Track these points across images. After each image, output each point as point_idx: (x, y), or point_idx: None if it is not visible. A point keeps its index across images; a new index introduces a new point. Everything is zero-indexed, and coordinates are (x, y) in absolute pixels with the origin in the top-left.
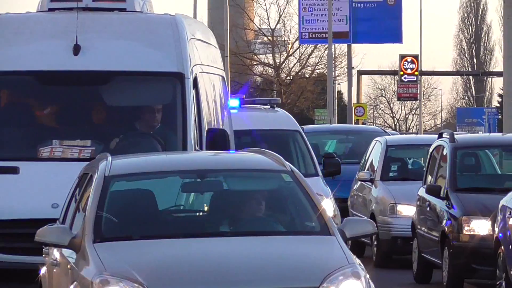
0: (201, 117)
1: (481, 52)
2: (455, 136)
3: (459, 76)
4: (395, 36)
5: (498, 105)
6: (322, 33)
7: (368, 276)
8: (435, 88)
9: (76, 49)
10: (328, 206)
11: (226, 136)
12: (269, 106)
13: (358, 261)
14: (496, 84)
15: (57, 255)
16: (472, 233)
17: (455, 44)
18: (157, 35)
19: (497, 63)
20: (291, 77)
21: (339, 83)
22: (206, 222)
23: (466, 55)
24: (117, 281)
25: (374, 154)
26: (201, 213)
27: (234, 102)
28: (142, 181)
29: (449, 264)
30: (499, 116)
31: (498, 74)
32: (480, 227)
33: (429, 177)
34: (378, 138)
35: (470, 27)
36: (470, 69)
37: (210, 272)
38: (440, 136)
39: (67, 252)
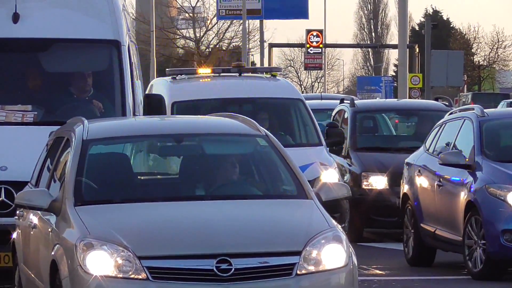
0: (134, 83)
1: (379, 27)
2: (355, 101)
3: (359, 49)
4: (302, 12)
5: (393, 74)
6: (237, 10)
7: (345, 238)
8: (338, 59)
9: (16, 17)
10: (333, 175)
11: (163, 102)
12: (270, 75)
13: (337, 224)
14: (392, 56)
15: (34, 218)
16: (370, 187)
17: (356, 20)
18: (94, 4)
19: (393, 37)
20: (210, 49)
21: (252, 55)
22: (182, 186)
23: (366, 30)
24: (101, 244)
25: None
26: (177, 177)
27: (233, 70)
28: (120, 145)
29: (349, 215)
30: (395, 84)
31: (394, 46)
32: (377, 182)
33: None
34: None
35: (369, 5)
36: (369, 42)
37: (194, 236)
38: (342, 101)
39: (46, 215)
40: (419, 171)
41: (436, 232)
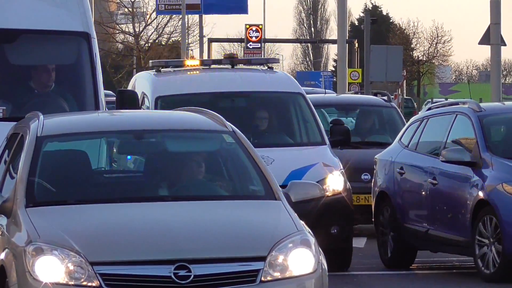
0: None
1: (318, 22)
2: None
3: (298, 44)
4: (241, 7)
5: (333, 69)
6: (176, 5)
7: (314, 241)
8: (278, 54)
9: None
10: (338, 180)
11: (136, 98)
12: (266, 67)
13: (306, 227)
14: (331, 51)
15: None
16: None
17: (295, 15)
18: None
19: (332, 32)
20: (149, 44)
21: (192, 50)
22: (144, 185)
23: (305, 25)
24: (51, 249)
25: None
26: (138, 176)
27: (226, 61)
28: (76, 141)
29: None
30: (334, 79)
31: (333, 41)
32: None
33: None
34: None
35: (308, 0)
36: (308, 37)
37: (151, 240)
38: None
39: None
40: (402, 169)
41: (429, 232)
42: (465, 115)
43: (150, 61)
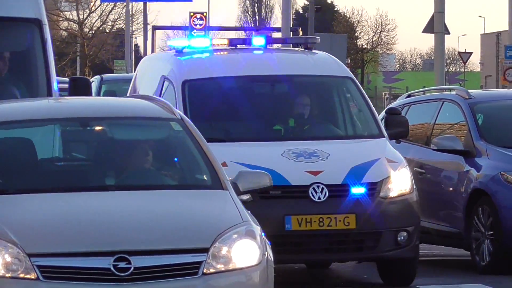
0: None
1: (263, 10)
2: None
3: (243, 31)
4: None
5: None
6: None
7: (263, 234)
8: None
9: None
10: (404, 177)
11: (89, 85)
12: (303, 48)
13: (252, 218)
14: None
15: None
16: None
17: (240, 3)
18: None
19: (276, 20)
20: (93, 31)
21: (136, 37)
22: (89, 174)
23: (249, 13)
24: None
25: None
26: (83, 165)
27: (258, 41)
28: (20, 129)
29: None
30: None
31: (278, 29)
32: None
33: None
34: None
35: None
36: (252, 25)
37: (91, 231)
38: None
39: None
40: None
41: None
42: (453, 102)
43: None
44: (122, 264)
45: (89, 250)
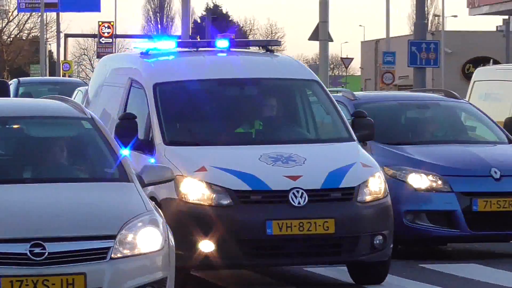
0: None
1: (164, 19)
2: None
3: (147, 39)
4: (94, 5)
5: None
6: (36, 3)
7: (162, 221)
8: (128, 48)
9: None
10: (380, 182)
11: (8, 87)
12: (264, 50)
13: (156, 208)
14: None
15: None
16: None
17: (144, 13)
18: None
19: (177, 28)
20: (11, 39)
21: (50, 44)
22: (7, 168)
23: (152, 22)
24: None
25: (77, 100)
26: (2, 160)
27: (222, 43)
28: None
29: None
30: None
31: (178, 36)
32: None
33: None
34: (80, 88)
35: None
36: (155, 33)
37: (9, 219)
38: None
39: None
40: None
41: None
42: (340, 103)
43: (133, 43)
44: (37, 250)
45: (7, 237)
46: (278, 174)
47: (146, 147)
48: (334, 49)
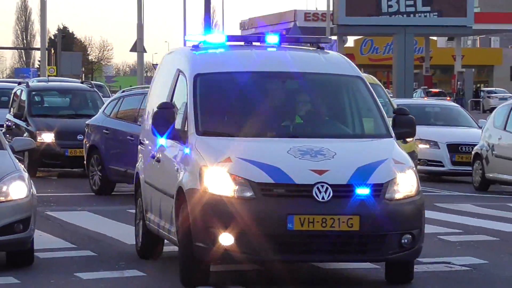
0: None
1: (29, 35)
2: (30, 84)
3: (15, 50)
4: None
5: (37, 66)
6: None
7: (27, 177)
8: (2, 56)
9: None
10: (410, 180)
11: None
12: (316, 47)
13: (23, 168)
14: (37, 55)
15: None
16: (42, 141)
17: (14, 31)
18: None
19: (37, 43)
20: None
21: None
22: None
23: (20, 37)
24: None
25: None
26: None
27: (272, 39)
28: None
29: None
30: (39, 73)
31: (38, 49)
32: (47, 137)
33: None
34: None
35: (22, 22)
36: (23, 46)
37: None
38: (19, 84)
39: None
40: (107, 130)
41: (127, 171)
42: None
43: (186, 36)
44: None
45: None
46: (304, 167)
47: (181, 136)
48: (148, 58)
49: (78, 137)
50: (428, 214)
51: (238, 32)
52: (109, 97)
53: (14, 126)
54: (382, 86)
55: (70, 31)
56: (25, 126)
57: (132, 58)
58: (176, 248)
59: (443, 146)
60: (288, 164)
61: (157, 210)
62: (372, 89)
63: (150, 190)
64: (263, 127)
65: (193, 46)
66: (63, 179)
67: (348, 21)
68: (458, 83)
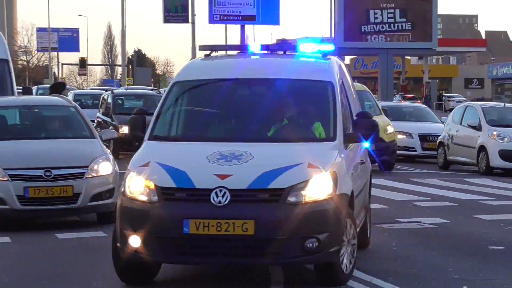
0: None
1: (113, 54)
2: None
3: (103, 66)
4: None
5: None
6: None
7: (112, 158)
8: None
9: None
10: (321, 183)
11: (64, 86)
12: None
13: (110, 153)
14: (119, 70)
15: None
16: (123, 132)
17: (102, 53)
18: None
19: (119, 60)
20: (33, 65)
21: (53, 67)
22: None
23: (106, 57)
24: None
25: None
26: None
27: (255, 47)
28: None
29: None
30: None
31: (119, 65)
32: (127, 130)
33: None
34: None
35: (108, 45)
36: (109, 62)
37: (28, 156)
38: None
39: None
40: None
41: None
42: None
43: (199, 44)
44: (48, 173)
45: (26, 167)
46: (210, 172)
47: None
48: None
49: None
50: (404, 186)
51: None
52: None
53: (102, 122)
54: (371, 93)
55: (143, 52)
56: (110, 122)
57: None
58: None
59: (416, 136)
60: (196, 168)
61: None
62: (336, 94)
63: None
64: (205, 132)
65: (205, 55)
66: None
67: (345, 45)
68: (426, 90)
